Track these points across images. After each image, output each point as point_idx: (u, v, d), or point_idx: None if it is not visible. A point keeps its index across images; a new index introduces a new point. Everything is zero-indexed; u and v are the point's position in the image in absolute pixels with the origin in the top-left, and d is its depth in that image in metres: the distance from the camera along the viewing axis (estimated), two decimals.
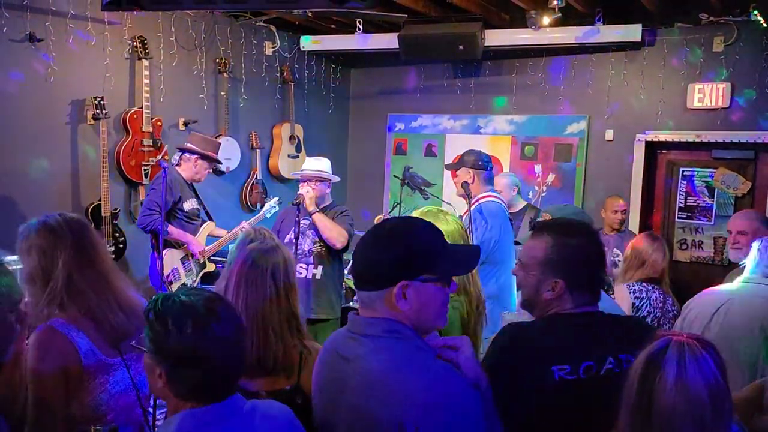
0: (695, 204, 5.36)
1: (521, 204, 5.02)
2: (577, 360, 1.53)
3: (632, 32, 5.01)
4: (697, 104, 5.10)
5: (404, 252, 1.38)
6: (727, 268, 3.95)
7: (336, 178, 4.04)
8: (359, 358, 1.39)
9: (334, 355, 1.48)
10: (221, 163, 4.80)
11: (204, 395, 1.33)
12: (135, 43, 4.62)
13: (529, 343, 1.59)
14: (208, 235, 4.46)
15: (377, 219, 5.18)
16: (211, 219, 4.59)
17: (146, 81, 4.63)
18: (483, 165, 3.72)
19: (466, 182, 3.63)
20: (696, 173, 5.36)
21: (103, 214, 4.38)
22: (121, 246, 4.52)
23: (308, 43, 5.96)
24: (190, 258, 4.33)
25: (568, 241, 1.62)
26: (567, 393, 1.50)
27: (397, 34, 5.45)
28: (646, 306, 3.13)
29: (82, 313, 1.82)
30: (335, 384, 1.43)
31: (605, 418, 1.39)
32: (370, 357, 1.37)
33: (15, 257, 1.88)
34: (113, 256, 4.44)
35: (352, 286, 5.15)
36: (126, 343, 1.84)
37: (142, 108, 4.64)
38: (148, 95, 4.64)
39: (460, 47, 5.25)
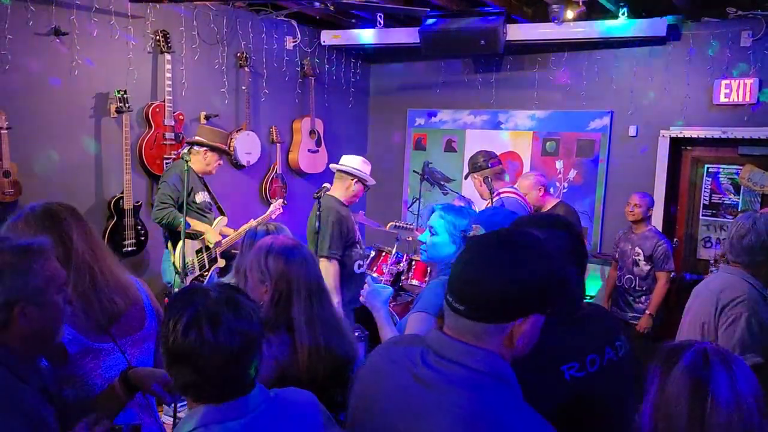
0: (720, 201, 5.27)
1: (552, 202, 4.76)
2: (583, 355, 1.49)
3: (658, 26, 4.94)
4: (723, 100, 5.01)
5: (547, 276, 1.16)
6: None
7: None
8: (447, 390, 1.16)
9: (405, 371, 1.25)
10: (230, 155, 4.78)
11: (199, 396, 1.30)
12: (158, 37, 4.65)
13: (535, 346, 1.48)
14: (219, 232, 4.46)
15: (388, 227, 5.14)
16: (223, 214, 4.60)
17: (168, 75, 4.66)
18: (484, 164, 3.74)
19: (487, 177, 3.63)
20: (722, 170, 5.27)
21: (125, 207, 4.42)
22: (142, 239, 4.55)
23: (329, 37, 5.96)
24: (203, 251, 4.34)
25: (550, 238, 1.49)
26: (580, 391, 1.45)
27: (418, 28, 5.42)
28: None
29: (75, 295, 1.79)
30: (403, 405, 1.21)
31: (615, 408, 1.41)
32: (467, 395, 1.14)
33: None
34: (134, 248, 4.48)
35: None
36: (118, 326, 1.87)
37: (164, 102, 4.67)
38: (170, 89, 4.66)
39: (482, 42, 5.20)
